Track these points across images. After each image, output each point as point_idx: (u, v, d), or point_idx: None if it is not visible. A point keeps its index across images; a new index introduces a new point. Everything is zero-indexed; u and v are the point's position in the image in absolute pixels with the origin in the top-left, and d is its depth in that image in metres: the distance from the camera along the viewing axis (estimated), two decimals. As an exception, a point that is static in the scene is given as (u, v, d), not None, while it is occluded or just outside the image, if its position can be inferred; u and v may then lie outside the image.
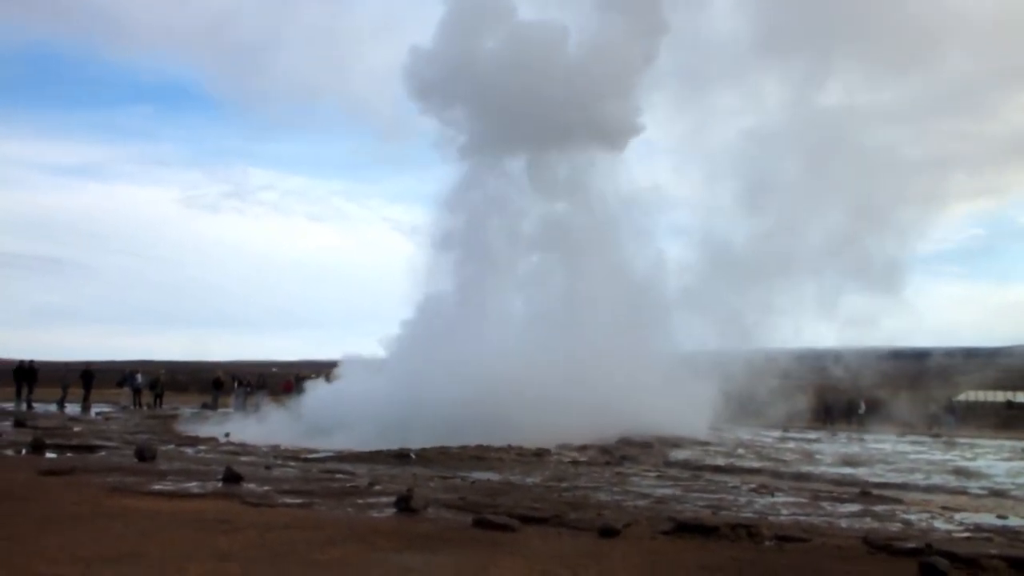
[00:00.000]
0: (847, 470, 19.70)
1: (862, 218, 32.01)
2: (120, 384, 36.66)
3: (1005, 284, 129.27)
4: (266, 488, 12.20)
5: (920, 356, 46.85)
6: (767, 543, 9.15)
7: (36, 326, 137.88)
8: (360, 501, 11.40)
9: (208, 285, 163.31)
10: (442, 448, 18.90)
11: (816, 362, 35.93)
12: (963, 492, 16.57)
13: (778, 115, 34.62)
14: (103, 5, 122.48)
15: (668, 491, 14.01)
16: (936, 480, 18.29)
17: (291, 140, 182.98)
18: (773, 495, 14.00)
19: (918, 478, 18.58)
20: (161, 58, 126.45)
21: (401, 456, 17.86)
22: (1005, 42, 51.89)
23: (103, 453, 16.54)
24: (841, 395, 41.58)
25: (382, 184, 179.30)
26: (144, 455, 14.88)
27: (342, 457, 17.84)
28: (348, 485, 12.92)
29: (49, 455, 15.98)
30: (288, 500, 11.20)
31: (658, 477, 16.54)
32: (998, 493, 16.49)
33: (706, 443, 24.83)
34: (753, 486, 15.31)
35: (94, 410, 30.67)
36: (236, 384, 37.24)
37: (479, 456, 18.46)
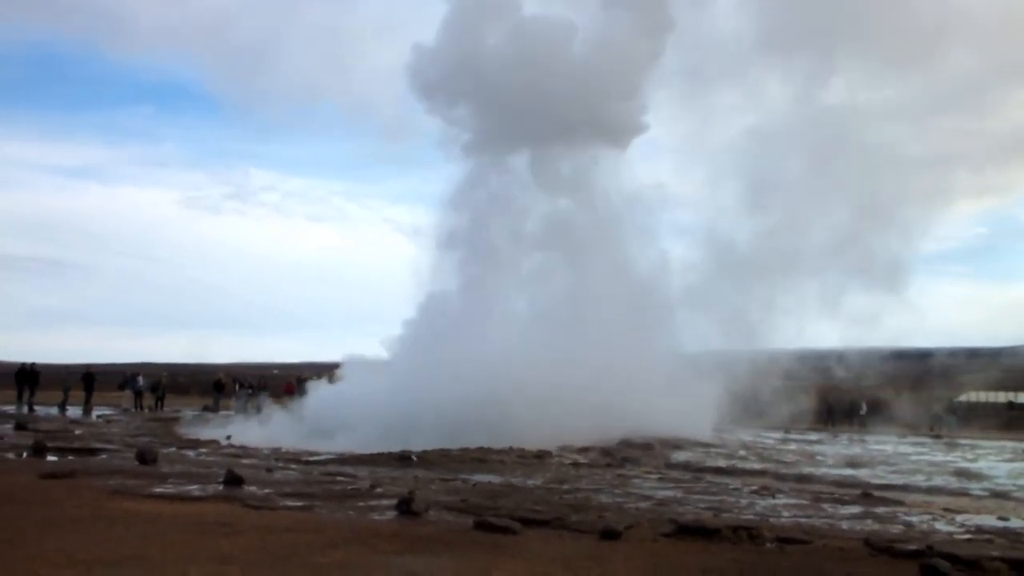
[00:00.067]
0: (848, 471, 19.72)
1: (865, 217, 32.03)
2: (121, 387, 36.69)
3: (1009, 283, 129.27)
4: (267, 491, 12.19)
5: (923, 356, 46.87)
6: (768, 545, 9.14)
7: (37, 328, 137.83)
8: (361, 504, 11.40)
9: (209, 286, 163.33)
10: (443, 450, 18.90)
11: (819, 362, 35.93)
12: (964, 494, 16.59)
13: (781, 113, 34.66)
14: (104, 5, 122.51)
15: (669, 493, 14.01)
16: (937, 482, 18.30)
17: (292, 141, 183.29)
18: (774, 497, 14.00)
19: (919, 479, 18.59)
20: (162, 58, 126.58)
21: (402, 458, 17.86)
22: (1006, 39, 51.87)
23: (104, 456, 16.54)
24: (844, 396, 41.61)
25: (383, 185, 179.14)
26: (145, 458, 14.87)
27: (343, 459, 17.84)
28: (349, 488, 12.92)
29: (50, 458, 15.96)
30: (289, 503, 11.19)
31: (659, 479, 16.54)
32: (999, 495, 16.51)
33: (708, 445, 24.83)
34: (754, 488, 15.31)
35: (95, 413, 30.70)
36: (237, 386, 37.27)
37: (480, 458, 18.46)
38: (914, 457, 24.17)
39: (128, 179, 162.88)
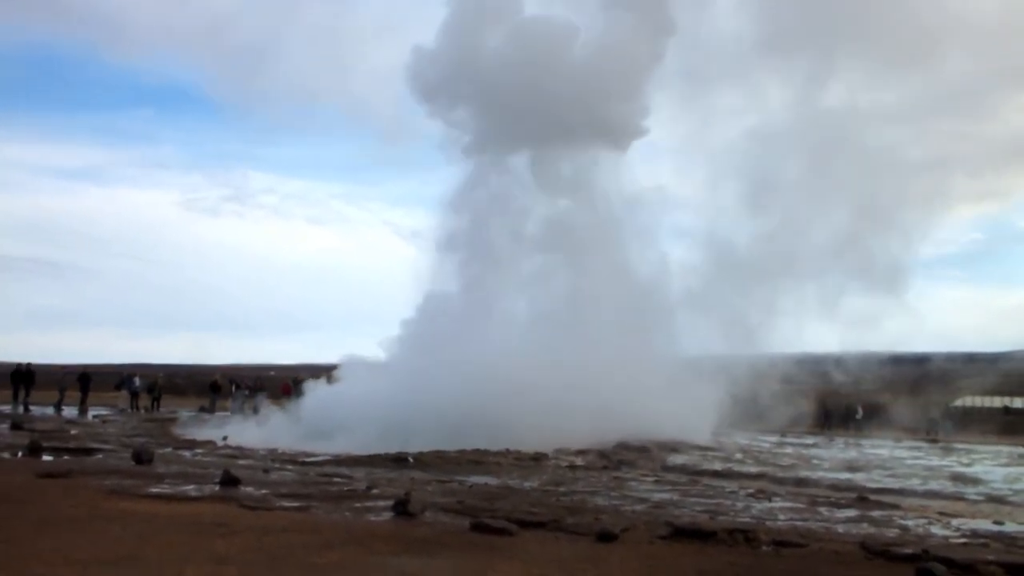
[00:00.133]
0: (844, 475, 19.74)
1: (864, 219, 32.03)
2: (118, 387, 36.62)
3: (1007, 288, 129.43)
4: (264, 492, 12.19)
5: (921, 361, 46.92)
6: (764, 548, 9.16)
7: (35, 329, 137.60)
8: (358, 505, 11.40)
9: (208, 288, 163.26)
10: (439, 452, 18.90)
11: (817, 366, 35.94)
12: (960, 498, 16.61)
13: (780, 115, 34.63)
14: (103, 7, 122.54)
15: (666, 496, 14.02)
16: (933, 486, 18.31)
17: (291, 143, 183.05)
18: (771, 500, 14.02)
19: (915, 483, 18.60)
20: (161, 60, 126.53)
21: (399, 460, 17.85)
22: (1004, 43, 51.95)
23: (100, 456, 16.52)
24: (842, 400, 41.63)
25: (382, 187, 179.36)
26: (141, 458, 14.86)
27: (339, 461, 17.82)
28: (346, 489, 12.92)
29: (46, 458, 15.94)
30: (286, 504, 11.19)
31: (656, 482, 16.55)
32: (995, 499, 16.53)
33: (704, 448, 24.81)
34: (751, 491, 15.32)
35: (91, 413, 30.64)
36: (234, 387, 37.22)
37: (477, 460, 18.47)
38: (910, 461, 24.18)
39: (127, 181, 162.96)
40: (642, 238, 31.91)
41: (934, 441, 33.84)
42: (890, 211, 32.22)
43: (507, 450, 19.88)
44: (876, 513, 12.93)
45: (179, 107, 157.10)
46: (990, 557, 8.69)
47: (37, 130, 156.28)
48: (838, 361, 34.77)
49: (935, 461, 24.50)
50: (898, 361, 41.60)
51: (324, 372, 31.16)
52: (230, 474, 12.82)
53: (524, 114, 28.62)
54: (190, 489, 12.14)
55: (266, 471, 14.93)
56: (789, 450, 26.84)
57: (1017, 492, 17.58)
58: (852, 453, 26.84)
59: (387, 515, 10.51)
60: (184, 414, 31.55)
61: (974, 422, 40.08)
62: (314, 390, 28.43)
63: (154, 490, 11.85)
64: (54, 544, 7.81)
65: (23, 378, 32.89)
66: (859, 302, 32.11)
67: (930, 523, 12.17)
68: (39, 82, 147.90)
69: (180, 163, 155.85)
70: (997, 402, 48.71)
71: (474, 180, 29.86)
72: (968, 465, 23.63)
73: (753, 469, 20.60)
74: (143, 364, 63.80)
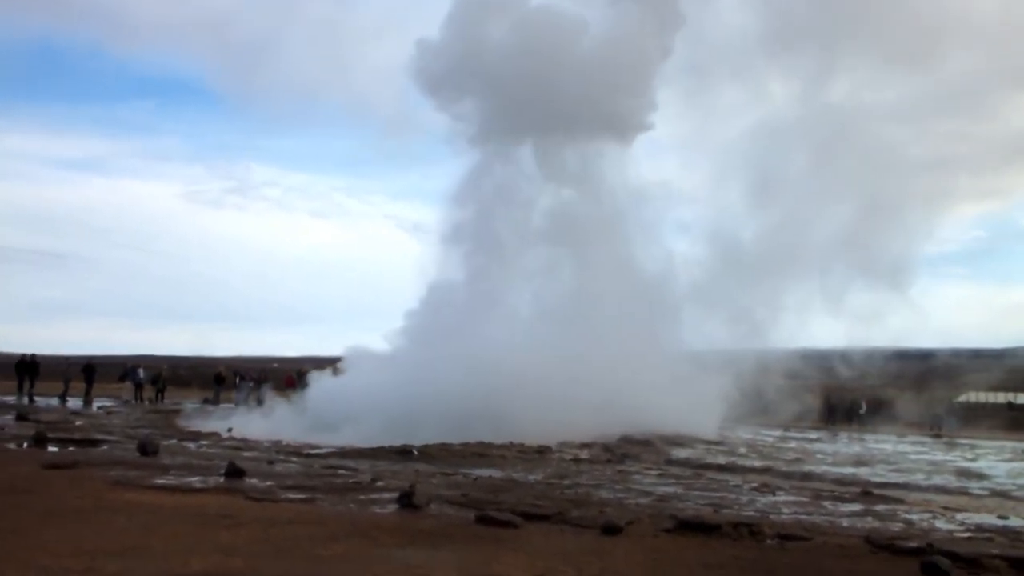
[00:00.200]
0: (848, 470, 19.72)
1: (868, 215, 32.02)
2: (122, 379, 36.71)
3: (1009, 286, 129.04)
4: (269, 483, 12.21)
5: (925, 357, 46.89)
6: (769, 542, 9.16)
7: (37, 320, 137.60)
8: (362, 497, 11.42)
9: (210, 280, 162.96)
10: (444, 444, 18.92)
11: (821, 362, 35.92)
12: (964, 492, 16.59)
13: (784, 112, 34.62)
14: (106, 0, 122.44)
15: (670, 489, 14.03)
16: (937, 480, 18.32)
17: (294, 136, 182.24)
18: (775, 494, 14.01)
19: (919, 478, 18.61)
20: (164, 53, 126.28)
21: (403, 452, 17.88)
22: (1006, 43, 51.74)
23: (105, 447, 16.55)
24: (846, 395, 41.62)
25: (385, 180, 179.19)
26: (146, 450, 14.89)
27: (344, 453, 17.85)
28: (350, 481, 12.94)
29: (51, 449, 15.98)
30: (291, 495, 11.21)
31: (660, 475, 16.55)
32: (999, 493, 16.52)
33: (708, 442, 24.83)
34: (755, 485, 15.32)
35: (96, 404, 30.70)
36: (238, 379, 37.28)
37: (481, 453, 18.49)
38: (914, 456, 24.18)
39: (129, 172, 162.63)
40: (647, 232, 31.95)
41: (938, 436, 33.82)
42: (893, 208, 32.23)
43: (511, 443, 19.89)
44: (880, 507, 12.92)
45: (182, 99, 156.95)
46: (995, 551, 8.69)
47: (39, 121, 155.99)
48: (843, 356, 34.75)
49: (939, 456, 24.49)
50: (902, 357, 41.60)
51: (327, 364, 31.18)
52: (235, 466, 12.85)
53: (530, 105, 28.56)
54: (195, 480, 12.17)
55: (271, 463, 14.96)
56: (792, 444, 26.85)
57: (1021, 487, 17.58)
58: (856, 448, 26.85)
59: (392, 507, 10.52)
60: (188, 406, 31.61)
61: (978, 418, 40.07)
62: (319, 381, 28.42)
63: (159, 481, 11.88)
64: (60, 535, 7.83)
65: (28, 369, 33.01)
66: (863, 298, 32.15)
67: (934, 517, 12.17)
68: (41, 73, 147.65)
69: (182, 155, 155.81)
70: (1001, 398, 48.66)
71: (479, 171, 29.81)
72: (972, 460, 23.64)
73: (757, 463, 20.60)
74: (146, 356, 63.81)
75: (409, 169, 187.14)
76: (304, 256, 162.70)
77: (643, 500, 12.40)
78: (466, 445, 19.08)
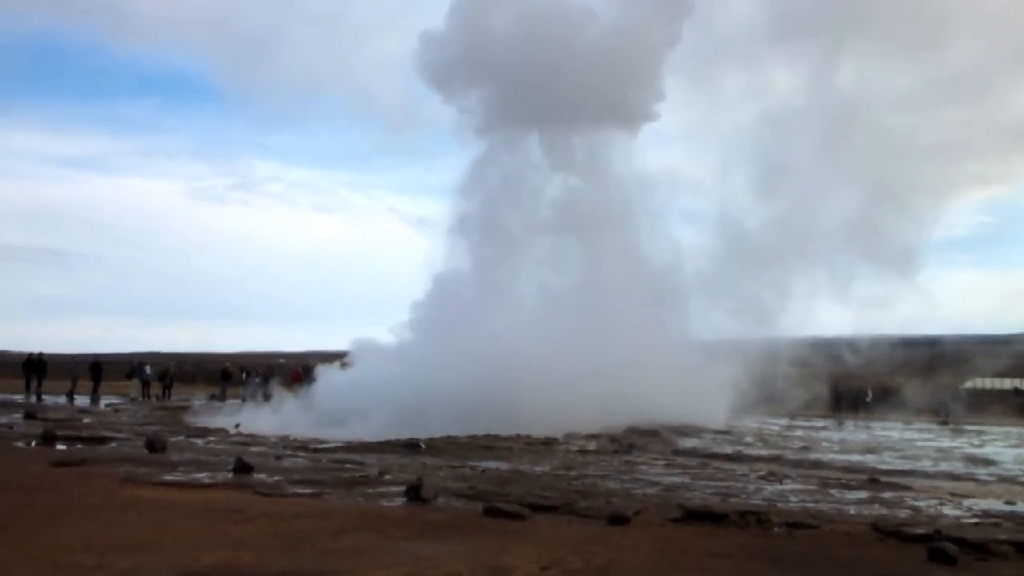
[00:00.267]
0: (855, 457, 19.73)
1: (875, 202, 31.94)
2: (129, 376, 36.77)
3: (1016, 271, 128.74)
4: (277, 478, 12.27)
5: (932, 343, 46.78)
6: (776, 530, 9.18)
7: (42, 318, 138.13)
8: (370, 491, 11.46)
9: (214, 277, 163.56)
10: (451, 438, 18.97)
11: (828, 350, 35.89)
12: (971, 478, 16.60)
13: (790, 99, 34.54)
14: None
15: (677, 479, 14.05)
16: (944, 467, 18.33)
17: (296, 132, 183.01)
18: (781, 482, 14.03)
19: (926, 465, 18.62)
20: (166, 49, 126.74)
21: (410, 446, 17.91)
22: (1011, 29, 51.52)
23: (114, 444, 16.62)
24: (853, 383, 41.60)
25: (388, 175, 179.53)
26: (154, 446, 14.96)
27: (351, 447, 17.89)
28: (358, 475, 12.98)
29: (60, 447, 16.04)
30: (299, 490, 11.26)
31: (667, 465, 16.57)
32: (1006, 479, 16.52)
33: (715, 431, 24.83)
34: (762, 474, 15.34)
35: (103, 402, 30.79)
36: (244, 375, 37.34)
37: (488, 445, 18.51)
38: (920, 443, 24.18)
39: (132, 170, 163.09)
40: (654, 221, 31.91)
41: (944, 423, 33.81)
42: (900, 195, 32.12)
43: (518, 435, 19.93)
44: (887, 494, 12.94)
45: (184, 96, 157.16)
46: (1002, 536, 8.71)
47: (41, 119, 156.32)
48: (850, 344, 34.71)
49: (946, 443, 24.49)
50: (909, 344, 41.51)
51: (332, 359, 31.18)
52: (243, 461, 12.90)
53: (536, 94, 28.46)
54: (204, 476, 12.22)
55: (278, 458, 15.01)
56: (799, 433, 26.86)
57: (1028, 473, 17.57)
58: (862, 435, 26.85)
59: (400, 500, 10.56)
60: (196, 402, 31.68)
61: (985, 404, 40.04)
62: (326, 375, 28.40)
63: (168, 478, 11.93)
64: (71, 531, 7.88)
65: (35, 368, 33.12)
66: (871, 285, 32.10)
67: (942, 504, 12.18)
68: (43, 71, 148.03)
69: (185, 152, 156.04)
70: (1008, 384, 48.60)
71: (486, 161, 29.73)
72: (979, 446, 23.64)
73: (764, 452, 20.62)
74: (150, 352, 63.97)
75: (412, 163, 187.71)
76: (308, 251, 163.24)
77: (650, 490, 12.43)
78: (473, 438, 19.12)
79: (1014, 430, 30.14)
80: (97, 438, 17.57)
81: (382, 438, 18.91)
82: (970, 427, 31.35)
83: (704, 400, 27.00)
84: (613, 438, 21.56)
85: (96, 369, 34.53)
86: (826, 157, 32.43)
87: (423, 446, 17.94)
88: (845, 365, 35.77)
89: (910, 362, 41.91)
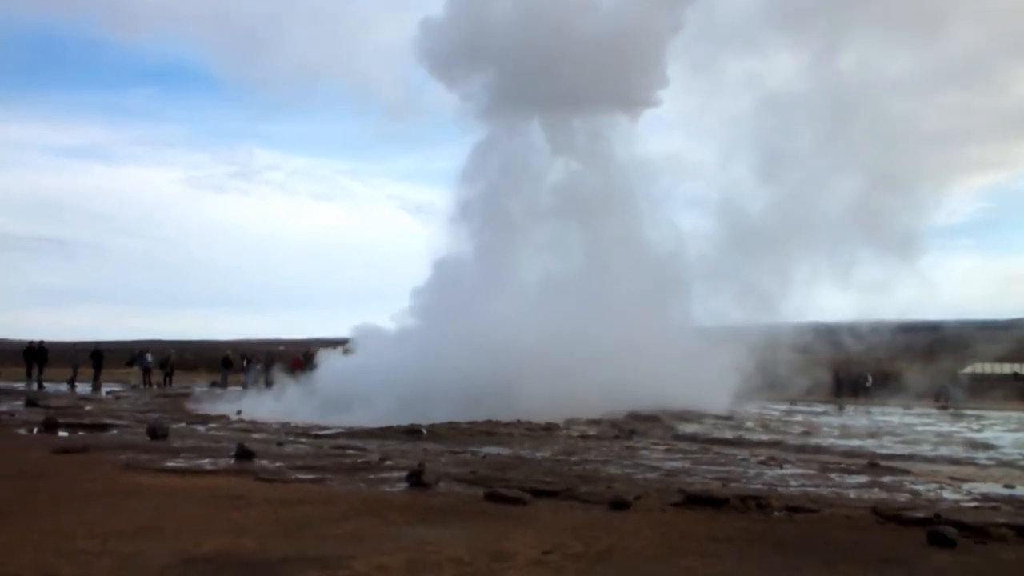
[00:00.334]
0: (855, 442, 19.77)
1: (876, 187, 31.89)
2: (130, 364, 36.83)
3: (1015, 256, 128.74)
4: (278, 464, 12.30)
5: (931, 329, 46.75)
6: (777, 514, 9.21)
7: (40, 307, 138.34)
8: (372, 476, 11.49)
9: (214, 265, 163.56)
10: (452, 423, 19.02)
11: (829, 335, 35.90)
12: (970, 463, 16.64)
13: (791, 85, 34.44)
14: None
15: (677, 464, 14.08)
16: (943, 451, 18.37)
17: (296, 120, 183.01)
18: (782, 467, 14.07)
19: (925, 449, 18.66)
20: (165, 39, 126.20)
21: (412, 432, 17.95)
22: (1012, 14, 51.37)
23: (115, 432, 16.65)
24: (854, 368, 41.63)
25: (387, 162, 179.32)
26: (156, 433, 14.99)
27: (352, 433, 17.93)
28: (360, 461, 13.01)
29: (62, 434, 16.09)
30: (301, 476, 11.29)
31: (667, 451, 16.61)
32: (1005, 463, 16.56)
33: (716, 417, 24.87)
34: (762, 458, 15.38)
35: (104, 389, 30.83)
36: (245, 362, 37.38)
37: (489, 431, 18.56)
38: (920, 428, 24.21)
39: (132, 159, 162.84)
40: (656, 206, 31.88)
41: (944, 408, 33.85)
42: (901, 180, 32.06)
43: (518, 421, 19.98)
44: (887, 479, 12.97)
45: (183, 85, 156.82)
46: (1001, 520, 8.74)
47: (40, 109, 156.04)
48: (850, 329, 34.72)
49: (945, 427, 24.53)
50: (910, 329, 41.52)
51: (332, 346, 31.19)
52: (245, 447, 12.94)
53: (538, 79, 28.37)
54: (205, 463, 12.26)
55: (280, 444, 15.05)
56: (799, 418, 26.90)
57: (1027, 457, 17.61)
58: (862, 420, 26.88)
59: (401, 486, 10.60)
60: (197, 389, 31.73)
61: (984, 389, 40.07)
62: (328, 361, 28.36)
63: (170, 464, 11.97)
64: (74, 518, 7.91)
65: (36, 355, 33.16)
66: (872, 270, 32.09)
67: (941, 488, 12.21)
68: (43, 61, 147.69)
69: (185, 141, 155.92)
70: (1007, 369, 48.65)
71: (488, 146, 29.65)
72: (978, 431, 23.66)
73: (764, 437, 20.66)
74: (151, 340, 64.04)
75: (412, 151, 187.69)
76: (308, 239, 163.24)
77: (651, 475, 12.46)
78: (474, 423, 19.17)
79: (1013, 415, 30.16)
80: (99, 425, 17.62)
81: (384, 424, 18.96)
82: (969, 412, 31.37)
83: (705, 386, 27.02)
84: (614, 424, 21.60)
85: (97, 357, 34.58)
86: (827, 142, 32.38)
87: (424, 432, 17.98)
88: (846, 351, 35.80)
89: (910, 347, 41.94)
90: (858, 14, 34.34)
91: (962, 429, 24.06)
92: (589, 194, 29.20)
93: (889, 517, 8.89)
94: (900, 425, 25.16)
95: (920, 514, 8.95)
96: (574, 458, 14.50)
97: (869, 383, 40.92)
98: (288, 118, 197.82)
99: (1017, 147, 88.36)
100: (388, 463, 12.73)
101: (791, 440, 20.00)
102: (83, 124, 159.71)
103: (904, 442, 20.08)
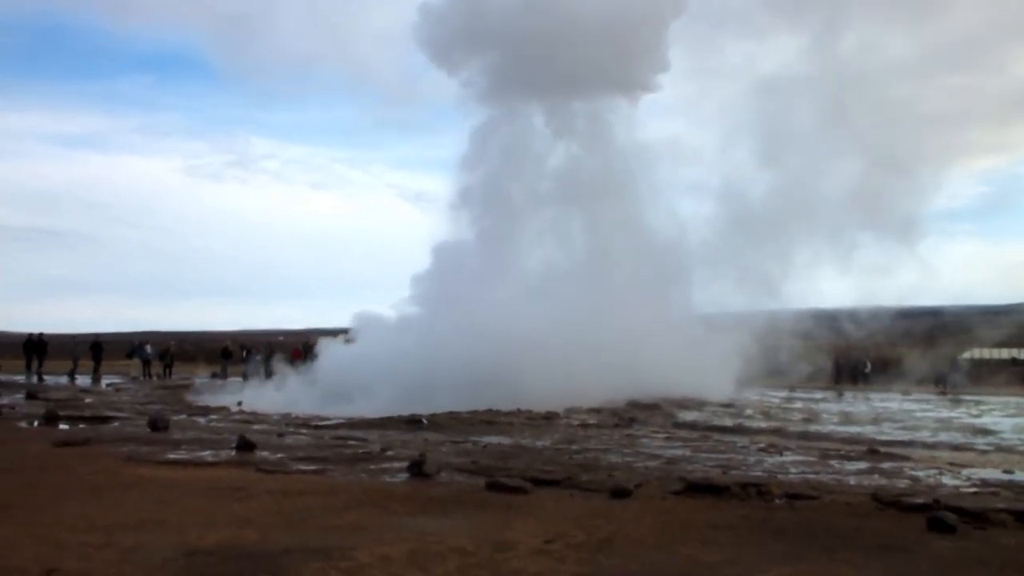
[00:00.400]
0: (855, 429, 19.80)
1: (876, 171, 31.84)
2: (129, 355, 36.87)
3: (1016, 242, 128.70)
4: (280, 455, 12.32)
5: (931, 314, 46.80)
6: (777, 501, 9.24)
7: (38, 298, 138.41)
8: (373, 467, 11.52)
9: (212, 255, 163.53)
10: (452, 413, 19.02)
11: (829, 321, 35.92)
12: (970, 448, 16.66)
13: (791, 69, 34.36)
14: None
15: (678, 452, 14.11)
16: (943, 437, 18.38)
17: (293, 108, 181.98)
18: (782, 454, 14.09)
19: (925, 435, 18.67)
20: (161, 27, 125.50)
21: (412, 422, 17.97)
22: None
23: (116, 424, 16.67)
24: (854, 354, 41.70)
25: (385, 150, 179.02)
26: (157, 425, 15.01)
27: (353, 424, 17.94)
28: (361, 451, 13.03)
29: (62, 426, 16.14)
30: (302, 467, 11.31)
31: (667, 438, 16.63)
32: (1004, 449, 16.58)
33: (716, 404, 24.90)
34: (762, 446, 15.39)
35: (104, 381, 30.86)
36: (245, 353, 37.40)
37: (489, 420, 18.57)
38: (919, 414, 24.26)
39: (129, 148, 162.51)
40: (656, 191, 31.80)
41: (943, 393, 33.92)
42: (902, 163, 32.00)
43: (519, 410, 19.99)
44: (887, 465, 12.99)
45: (180, 73, 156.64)
46: (1000, 505, 8.76)
47: (36, 98, 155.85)
48: (850, 315, 34.73)
49: (944, 413, 24.57)
50: (909, 315, 41.56)
51: (332, 336, 31.15)
52: (246, 439, 12.96)
53: (538, 63, 28.21)
54: (207, 455, 12.28)
55: (281, 435, 15.06)
56: (799, 405, 26.93)
57: (1026, 441, 17.65)
58: (862, 407, 26.92)
59: (403, 476, 10.62)
60: (197, 380, 31.76)
61: (983, 374, 40.13)
62: (329, 350, 28.28)
63: (171, 456, 11.99)
64: (76, 511, 7.93)
65: (36, 348, 33.19)
66: (873, 255, 32.08)
67: (940, 473, 12.24)
68: (39, 50, 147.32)
69: (182, 129, 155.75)
70: (1006, 354, 48.72)
71: (488, 131, 29.51)
72: (977, 416, 23.70)
73: (764, 424, 20.69)
74: (149, 332, 63.98)
75: (409, 138, 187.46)
76: (305, 228, 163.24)
77: (651, 463, 12.49)
78: (474, 413, 19.19)
79: (1012, 400, 30.23)
80: (99, 418, 17.64)
81: (385, 414, 18.95)
82: (969, 397, 31.43)
83: (705, 373, 27.03)
84: (614, 412, 21.61)
85: (97, 349, 34.62)
86: (827, 126, 32.29)
87: (425, 422, 18.00)
88: (846, 336, 35.82)
89: (910, 333, 41.98)
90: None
91: (961, 415, 24.11)
92: (589, 178, 29.12)
93: (889, 503, 8.92)
94: (899, 411, 25.21)
95: (920, 500, 8.97)
96: (575, 447, 14.53)
97: (868, 369, 40.99)
98: (285, 106, 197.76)
99: (1018, 130, 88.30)
100: (389, 453, 12.75)
101: (791, 427, 20.02)
102: (79, 112, 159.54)
103: (904, 428, 20.11)
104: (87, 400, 22.29)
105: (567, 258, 28.87)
